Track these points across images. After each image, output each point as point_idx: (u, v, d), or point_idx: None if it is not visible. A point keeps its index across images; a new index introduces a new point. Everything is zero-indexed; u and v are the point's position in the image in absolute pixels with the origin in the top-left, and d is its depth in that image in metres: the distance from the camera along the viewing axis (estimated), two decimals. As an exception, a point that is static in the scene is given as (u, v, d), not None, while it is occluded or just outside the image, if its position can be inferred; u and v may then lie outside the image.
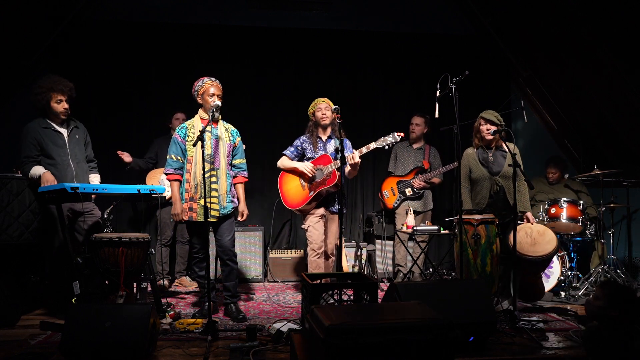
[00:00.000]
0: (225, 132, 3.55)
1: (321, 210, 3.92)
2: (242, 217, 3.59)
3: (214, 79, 3.51)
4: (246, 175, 3.68)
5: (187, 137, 3.46)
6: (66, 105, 3.50)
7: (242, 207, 3.60)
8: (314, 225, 3.89)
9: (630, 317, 2.24)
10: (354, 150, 3.78)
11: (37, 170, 3.36)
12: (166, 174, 3.49)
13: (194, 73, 5.25)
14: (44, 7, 4.75)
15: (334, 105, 3.55)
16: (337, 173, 3.69)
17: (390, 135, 3.66)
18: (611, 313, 2.27)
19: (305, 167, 3.89)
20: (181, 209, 3.41)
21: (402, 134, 3.72)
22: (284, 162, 4.04)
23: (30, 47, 4.94)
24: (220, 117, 3.55)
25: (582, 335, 2.58)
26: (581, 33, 4.55)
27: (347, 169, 3.82)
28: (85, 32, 5.24)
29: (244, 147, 3.71)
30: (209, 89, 3.45)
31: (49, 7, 4.81)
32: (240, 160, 3.64)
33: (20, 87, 5.12)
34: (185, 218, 3.42)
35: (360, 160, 3.72)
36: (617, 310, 2.25)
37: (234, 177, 3.61)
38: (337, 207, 3.85)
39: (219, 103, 3.35)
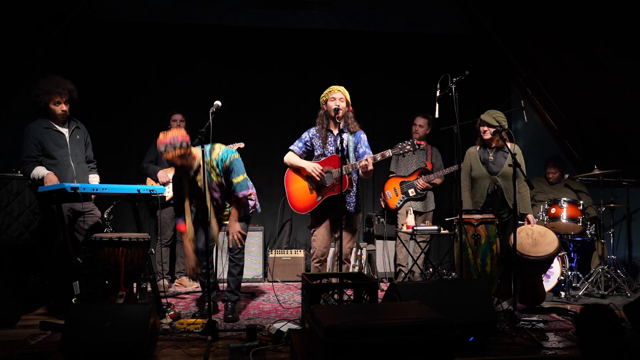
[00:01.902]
0: (213, 170, 3.28)
1: (330, 214, 3.54)
2: (231, 236, 3.32)
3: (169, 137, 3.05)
4: (241, 195, 3.30)
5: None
6: (65, 107, 3.49)
7: (229, 225, 3.34)
8: (320, 231, 3.54)
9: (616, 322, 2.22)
10: (369, 155, 3.37)
11: (40, 171, 3.36)
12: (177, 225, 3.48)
13: (194, 73, 5.22)
14: (44, 7, 4.75)
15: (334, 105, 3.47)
16: (348, 177, 3.35)
17: (410, 144, 3.33)
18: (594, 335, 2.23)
19: (314, 169, 3.42)
20: (194, 264, 3.38)
21: (422, 143, 3.58)
22: (290, 158, 3.58)
23: (30, 47, 4.93)
24: (197, 160, 3.20)
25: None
26: (581, 33, 4.56)
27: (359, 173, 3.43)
28: (85, 32, 5.24)
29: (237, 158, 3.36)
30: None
31: (49, 7, 4.80)
32: (234, 181, 3.29)
33: (21, 87, 5.12)
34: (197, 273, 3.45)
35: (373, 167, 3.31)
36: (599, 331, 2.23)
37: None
38: (350, 207, 3.52)
39: (219, 103, 3.07)
